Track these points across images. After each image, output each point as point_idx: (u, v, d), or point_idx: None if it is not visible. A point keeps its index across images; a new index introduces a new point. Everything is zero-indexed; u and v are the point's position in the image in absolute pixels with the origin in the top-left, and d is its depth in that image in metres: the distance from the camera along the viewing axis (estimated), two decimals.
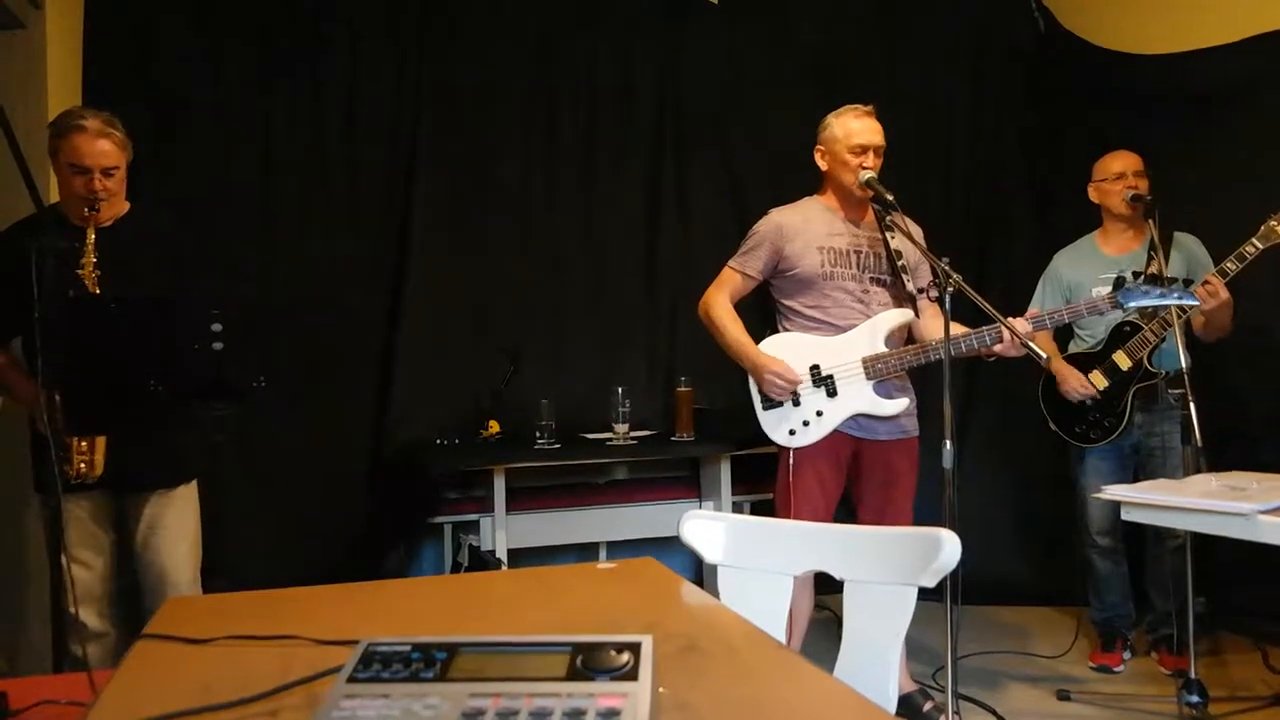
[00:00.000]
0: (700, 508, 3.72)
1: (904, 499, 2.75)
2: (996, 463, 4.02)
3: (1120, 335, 3.10)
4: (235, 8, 3.48)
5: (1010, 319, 2.46)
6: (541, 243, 3.87)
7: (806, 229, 2.74)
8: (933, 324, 2.72)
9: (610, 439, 3.52)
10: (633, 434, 3.56)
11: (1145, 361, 3.05)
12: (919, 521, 2.57)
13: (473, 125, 3.77)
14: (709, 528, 1.48)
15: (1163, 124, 3.66)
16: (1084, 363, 3.18)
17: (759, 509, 3.77)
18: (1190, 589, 2.44)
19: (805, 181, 2.89)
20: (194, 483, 2.53)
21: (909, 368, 2.68)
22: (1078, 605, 3.39)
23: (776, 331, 2.81)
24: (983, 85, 4.36)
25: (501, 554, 3.33)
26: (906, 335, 2.79)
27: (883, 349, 2.67)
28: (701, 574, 3.51)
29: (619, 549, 3.76)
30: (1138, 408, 3.09)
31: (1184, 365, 2.66)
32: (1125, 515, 2.22)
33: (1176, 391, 2.93)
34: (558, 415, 3.44)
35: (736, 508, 3.71)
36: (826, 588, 2.31)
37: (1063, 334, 3.32)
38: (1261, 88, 3.41)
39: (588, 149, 3.95)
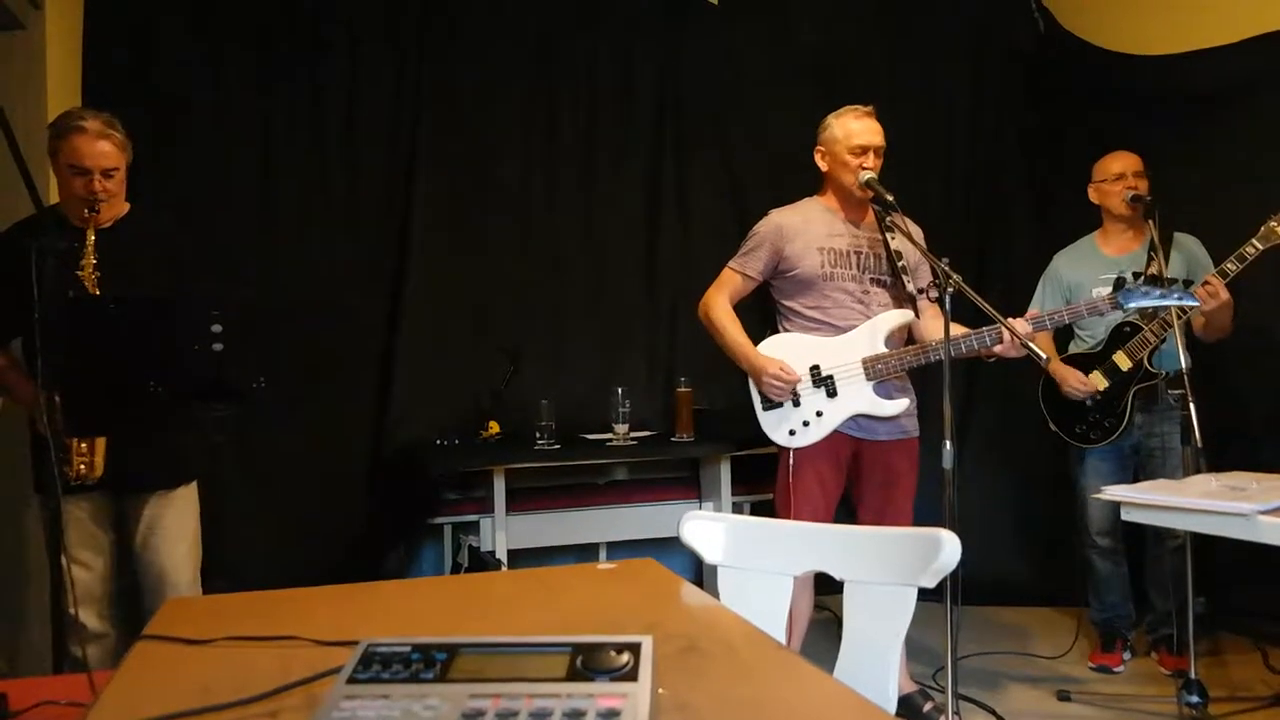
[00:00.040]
0: (700, 508, 3.71)
1: (904, 499, 2.75)
2: (996, 463, 4.02)
3: (1120, 336, 3.10)
4: (235, 10, 3.48)
5: (1010, 319, 2.45)
6: (541, 243, 3.87)
7: (806, 230, 2.74)
8: (933, 324, 2.72)
9: (610, 439, 3.52)
10: (633, 434, 3.56)
11: (1145, 362, 3.05)
12: (919, 522, 2.57)
13: (473, 125, 3.77)
14: (709, 528, 1.48)
15: (1163, 125, 3.66)
16: (1084, 363, 3.18)
17: (759, 509, 3.77)
18: (1190, 589, 2.43)
19: (805, 182, 2.89)
20: (194, 483, 2.53)
21: (909, 368, 2.68)
22: (1078, 606, 3.39)
23: (776, 332, 2.82)
24: (983, 86, 4.36)
25: (501, 554, 3.33)
26: (906, 336, 2.80)
27: (883, 349, 2.67)
28: (701, 574, 3.51)
29: (619, 549, 3.76)
30: (1138, 408, 3.09)
31: (1184, 366, 2.65)
32: (1125, 516, 2.21)
33: (1176, 392, 2.92)
34: (558, 416, 3.43)
35: (736, 508, 3.71)
36: (826, 588, 2.29)
37: (1063, 334, 3.32)
38: (1261, 88, 3.41)
39: (588, 149, 3.95)
